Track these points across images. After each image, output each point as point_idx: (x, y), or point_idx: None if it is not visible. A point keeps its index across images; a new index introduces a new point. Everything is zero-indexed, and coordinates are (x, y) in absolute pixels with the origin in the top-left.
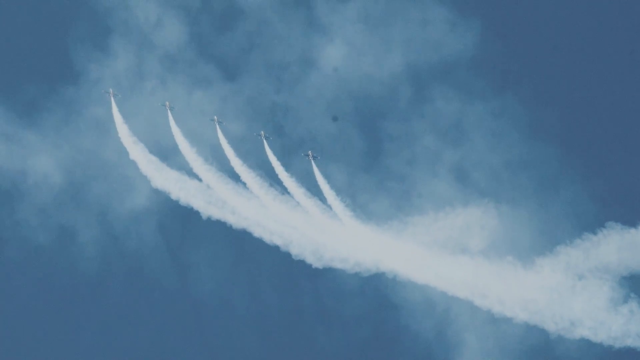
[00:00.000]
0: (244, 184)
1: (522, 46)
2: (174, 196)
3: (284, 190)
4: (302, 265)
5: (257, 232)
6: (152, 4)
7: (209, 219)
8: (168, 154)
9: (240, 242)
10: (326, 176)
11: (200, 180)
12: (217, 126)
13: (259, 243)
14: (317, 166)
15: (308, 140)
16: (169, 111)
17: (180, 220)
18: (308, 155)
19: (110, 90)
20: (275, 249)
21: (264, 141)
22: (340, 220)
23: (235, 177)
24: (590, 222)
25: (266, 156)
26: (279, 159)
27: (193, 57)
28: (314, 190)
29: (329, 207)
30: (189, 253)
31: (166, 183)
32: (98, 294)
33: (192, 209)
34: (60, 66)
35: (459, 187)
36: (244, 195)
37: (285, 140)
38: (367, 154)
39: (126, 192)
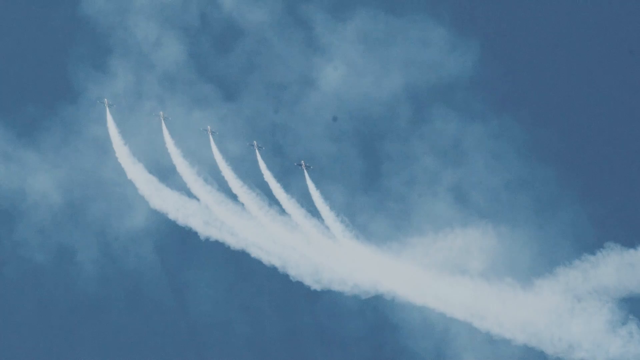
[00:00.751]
0: (243, 204)
1: (522, 67)
2: (172, 216)
3: (282, 210)
4: (300, 286)
5: (255, 253)
6: (152, 23)
7: (207, 240)
8: (167, 174)
9: (238, 263)
10: (323, 194)
11: (198, 200)
12: (211, 137)
13: (257, 264)
14: (310, 176)
15: (307, 160)
16: (164, 125)
17: (178, 240)
18: (301, 165)
19: (105, 100)
20: (274, 270)
21: (257, 151)
22: (339, 241)
23: (234, 196)
24: (589, 243)
25: (265, 175)
26: (277, 178)
27: (192, 77)
28: (314, 211)
29: (328, 227)
30: (187, 273)
31: (164, 203)
32: (97, 313)
33: (190, 229)
34: (60, 86)
35: (458, 207)
36: (242, 216)
37: (284, 160)
38: (366, 174)
39: (125, 212)
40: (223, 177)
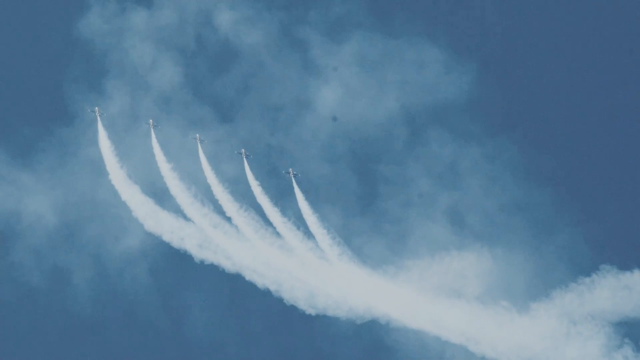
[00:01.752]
0: (237, 226)
1: (518, 90)
2: (167, 238)
3: (277, 234)
4: (295, 310)
5: (249, 276)
6: (147, 45)
7: (202, 262)
8: (162, 195)
9: (233, 285)
10: (319, 216)
11: (193, 222)
12: (200, 147)
13: (251, 287)
14: (298, 184)
15: (303, 182)
16: (152, 131)
17: (173, 262)
18: (289, 173)
19: (97, 108)
20: (268, 293)
21: (244, 160)
22: (334, 264)
23: (229, 218)
24: (585, 266)
25: (259, 198)
26: (273, 201)
27: (188, 99)
28: (309, 233)
29: (323, 250)
30: (182, 295)
31: (159, 226)
32: (92, 335)
33: (185, 251)
34: (55, 107)
35: (454, 230)
36: (236, 238)
37: (280, 181)
38: (362, 196)
39: (120, 234)
40: (220, 198)
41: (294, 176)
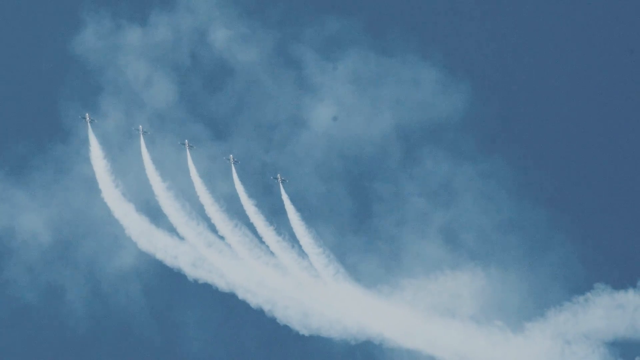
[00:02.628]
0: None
1: (512, 108)
2: (160, 256)
3: (271, 252)
4: (288, 330)
5: (242, 295)
6: (142, 63)
7: (195, 281)
8: (156, 213)
9: (227, 304)
10: (313, 234)
11: (186, 241)
12: (188, 151)
13: (244, 306)
14: (286, 190)
15: (297, 199)
16: (142, 138)
17: (167, 280)
18: (277, 179)
19: (87, 115)
20: (261, 313)
21: (232, 166)
22: (328, 283)
23: (222, 236)
24: (579, 284)
25: (253, 218)
26: (267, 219)
27: (182, 116)
28: (303, 252)
29: (316, 269)
30: (175, 314)
31: (153, 244)
32: (86, 352)
33: (178, 270)
34: (50, 124)
35: (448, 248)
36: (230, 257)
37: (275, 200)
38: (356, 214)
39: (114, 251)
40: (212, 217)
41: (282, 182)
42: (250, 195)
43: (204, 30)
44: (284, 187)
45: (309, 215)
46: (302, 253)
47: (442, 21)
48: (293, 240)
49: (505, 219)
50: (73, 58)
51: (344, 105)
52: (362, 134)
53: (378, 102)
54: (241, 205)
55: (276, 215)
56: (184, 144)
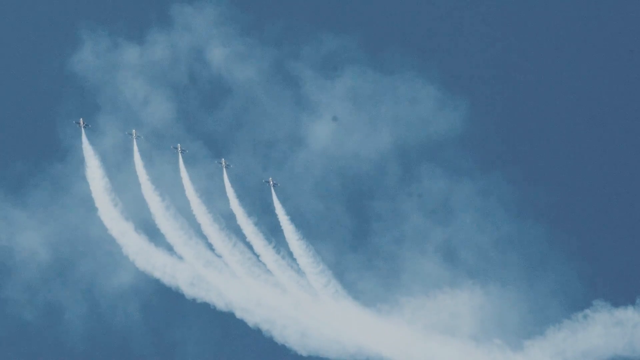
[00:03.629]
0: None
1: (511, 125)
2: (159, 275)
3: (269, 271)
4: (286, 350)
5: (240, 314)
6: (140, 81)
7: (193, 300)
8: (155, 232)
9: (225, 323)
10: (311, 252)
11: (184, 259)
12: (180, 157)
13: (242, 325)
14: (277, 194)
15: (297, 217)
16: (135, 142)
17: (165, 299)
18: (268, 182)
19: (81, 120)
20: (258, 332)
21: (224, 170)
22: (326, 302)
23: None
24: (578, 301)
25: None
26: (266, 237)
27: (180, 135)
28: (301, 270)
29: (315, 287)
30: (173, 332)
31: (151, 263)
32: None
33: (177, 289)
34: (48, 143)
35: (447, 266)
36: (228, 276)
37: (273, 218)
38: (355, 232)
39: (113, 270)
40: (212, 234)
41: (273, 186)
42: (249, 213)
43: (201, 49)
44: (275, 192)
45: (307, 233)
46: (300, 271)
47: (440, 38)
48: (291, 258)
49: (504, 236)
50: (71, 76)
51: (342, 123)
52: (360, 152)
53: (376, 119)
54: (239, 223)
55: (274, 234)
56: (176, 148)
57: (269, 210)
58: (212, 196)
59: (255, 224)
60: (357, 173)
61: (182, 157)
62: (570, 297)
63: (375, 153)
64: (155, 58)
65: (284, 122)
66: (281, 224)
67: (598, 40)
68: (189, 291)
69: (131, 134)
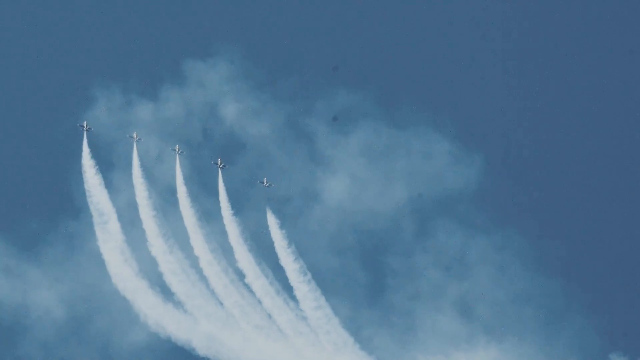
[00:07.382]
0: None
1: (526, 179)
2: (172, 333)
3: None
4: None
5: None
6: (153, 138)
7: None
8: (168, 290)
9: None
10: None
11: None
12: (177, 158)
13: None
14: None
15: (312, 271)
16: (135, 145)
17: (179, 357)
18: (263, 183)
19: (85, 122)
20: None
21: (219, 171)
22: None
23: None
24: (595, 355)
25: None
26: (280, 293)
27: (195, 191)
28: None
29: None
30: None
31: (164, 321)
32: None
33: (190, 347)
34: (62, 201)
35: (463, 321)
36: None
37: (289, 275)
38: (370, 287)
39: (127, 327)
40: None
41: (268, 187)
42: (264, 271)
43: (214, 104)
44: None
45: (322, 288)
46: (315, 328)
47: (454, 93)
48: (305, 315)
49: (520, 291)
50: (85, 134)
51: (356, 178)
52: (375, 207)
53: (390, 174)
54: (255, 280)
55: (287, 289)
56: (174, 150)
57: (281, 268)
58: (227, 253)
59: (270, 284)
60: (372, 228)
61: (195, 213)
62: (588, 351)
63: (389, 208)
64: (168, 114)
65: (298, 177)
66: (293, 279)
67: (615, 90)
68: (202, 350)
69: (132, 137)
